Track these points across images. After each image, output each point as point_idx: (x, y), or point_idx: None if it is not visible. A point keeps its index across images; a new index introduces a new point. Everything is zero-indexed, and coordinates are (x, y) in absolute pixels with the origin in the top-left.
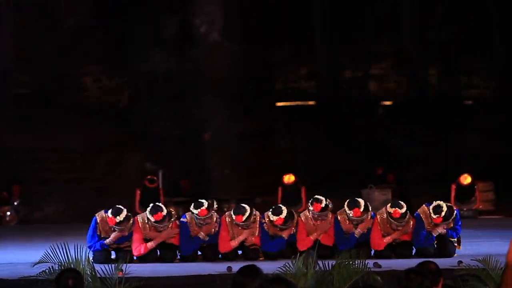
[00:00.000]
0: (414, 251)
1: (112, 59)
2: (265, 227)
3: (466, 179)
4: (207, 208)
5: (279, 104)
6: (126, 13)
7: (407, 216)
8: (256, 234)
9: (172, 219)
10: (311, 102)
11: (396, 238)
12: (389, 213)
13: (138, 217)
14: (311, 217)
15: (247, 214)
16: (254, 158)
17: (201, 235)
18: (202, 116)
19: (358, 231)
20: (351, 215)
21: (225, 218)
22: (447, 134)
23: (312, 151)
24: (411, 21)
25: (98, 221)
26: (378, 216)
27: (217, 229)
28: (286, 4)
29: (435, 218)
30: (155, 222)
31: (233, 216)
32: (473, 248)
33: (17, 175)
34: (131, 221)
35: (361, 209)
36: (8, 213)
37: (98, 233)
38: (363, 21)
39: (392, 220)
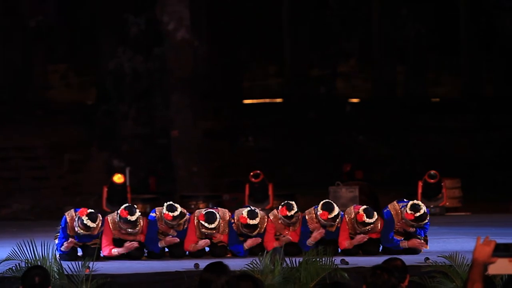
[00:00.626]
0: (381, 248)
1: (79, 58)
2: (234, 227)
3: (432, 177)
4: (175, 217)
5: (247, 101)
6: (93, 11)
7: (373, 223)
8: (225, 232)
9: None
10: (278, 100)
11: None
12: (356, 214)
13: (109, 217)
14: (281, 221)
15: (216, 223)
16: (221, 156)
17: (163, 242)
18: (169, 115)
19: (313, 238)
20: (319, 214)
21: (194, 218)
22: (414, 132)
23: (279, 149)
24: (379, 19)
25: (68, 220)
26: (346, 216)
27: (185, 226)
28: (254, 2)
29: (408, 214)
30: (168, 221)
31: (202, 223)
32: (440, 245)
33: None
34: (100, 224)
35: (331, 215)
36: None
37: (68, 232)
38: (331, 19)
39: (357, 225)
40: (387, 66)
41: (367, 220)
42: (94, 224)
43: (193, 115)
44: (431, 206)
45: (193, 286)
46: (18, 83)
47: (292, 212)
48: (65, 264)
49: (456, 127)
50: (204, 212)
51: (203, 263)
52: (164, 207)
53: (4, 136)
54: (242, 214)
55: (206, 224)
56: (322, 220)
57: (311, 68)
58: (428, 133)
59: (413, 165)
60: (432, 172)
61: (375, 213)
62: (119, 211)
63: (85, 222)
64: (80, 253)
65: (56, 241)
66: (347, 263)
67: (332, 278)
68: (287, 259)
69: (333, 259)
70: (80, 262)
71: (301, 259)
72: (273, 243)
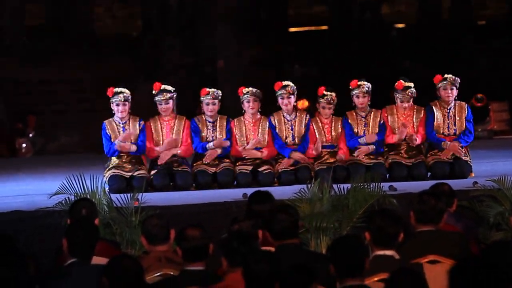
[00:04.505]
0: (429, 174)
1: None
2: (272, 121)
3: (479, 100)
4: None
5: (292, 29)
6: None
7: (412, 87)
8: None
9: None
10: (323, 27)
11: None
12: (394, 85)
13: (150, 121)
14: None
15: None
16: (267, 84)
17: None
18: (214, 44)
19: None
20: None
21: (234, 121)
22: (460, 55)
23: (325, 76)
24: None
25: (107, 124)
26: (385, 109)
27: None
28: None
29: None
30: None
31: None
32: (488, 168)
33: (31, 107)
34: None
35: (362, 82)
36: (24, 144)
37: (109, 135)
38: None
39: (398, 94)
40: None
41: (407, 84)
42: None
43: (238, 44)
44: (479, 129)
45: (242, 216)
46: (63, 16)
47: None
48: (114, 197)
49: (502, 49)
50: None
51: (251, 193)
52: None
53: (50, 70)
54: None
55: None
56: (353, 90)
57: None
58: (474, 56)
59: (461, 89)
60: (479, 95)
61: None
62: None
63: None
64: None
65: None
66: (395, 189)
67: (381, 204)
68: (335, 186)
69: (381, 186)
70: (129, 195)
71: (349, 186)
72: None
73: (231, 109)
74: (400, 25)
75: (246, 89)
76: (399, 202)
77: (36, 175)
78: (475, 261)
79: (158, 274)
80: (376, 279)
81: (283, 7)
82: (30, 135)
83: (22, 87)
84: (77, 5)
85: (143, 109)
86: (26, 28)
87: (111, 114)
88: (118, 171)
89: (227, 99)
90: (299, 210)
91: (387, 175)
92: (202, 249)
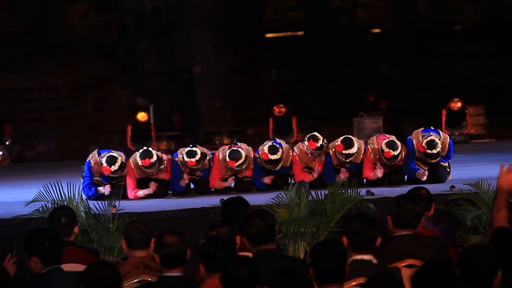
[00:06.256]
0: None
1: None
2: (259, 162)
3: (456, 104)
4: (197, 160)
5: (268, 35)
6: None
7: (399, 154)
8: (250, 167)
9: (162, 166)
10: (299, 32)
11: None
12: (382, 151)
13: (130, 160)
14: (307, 152)
15: (241, 160)
16: (244, 90)
17: (184, 180)
18: (190, 50)
19: (342, 174)
20: (335, 145)
21: (218, 154)
22: (436, 59)
23: (302, 81)
24: None
25: (92, 164)
26: (369, 146)
27: (210, 164)
28: None
29: (422, 146)
30: (144, 167)
31: (227, 159)
32: (465, 172)
33: (8, 115)
34: (125, 168)
35: (346, 151)
36: (1, 152)
37: (93, 176)
38: None
39: (386, 160)
40: None
41: (395, 153)
42: (115, 166)
43: (215, 49)
44: (456, 133)
45: (219, 222)
46: (39, 23)
47: (320, 142)
48: (92, 204)
49: (478, 53)
50: (228, 152)
51: (226, 199)
52: (184, 155)
53: (27, 77)
54: (264, 150)
55: (232, 162)
56: (338, 154)
57: None
58: (450, 60)
59: (436, 93)
60: (456, 99)
61: (398, 143)
62: (139, 161)
63: (112, 172)
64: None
65: (81, 180)
66: (372, 194)
67: (358, 209)
68: (312, 192)
69: (358, 191)
70: (106, 202)
71: (326, 192)
72: (302, 176)
73: (208, 115)
74: (376, 30)
75: None
76: (376, 206)
77: (13, 182)
78: (437, 266)
79: (136, 280)
80: (354, 283)
81: (259, 13)
82: (7, 142)
83: None
84: (52, 13)
85: (119, 115)
86: (0, 36)
87: (88, 122)
88: (97, 179)
89: (204, 105)
90: (276, 216)
91: (365, 180)
92: (179, 256)
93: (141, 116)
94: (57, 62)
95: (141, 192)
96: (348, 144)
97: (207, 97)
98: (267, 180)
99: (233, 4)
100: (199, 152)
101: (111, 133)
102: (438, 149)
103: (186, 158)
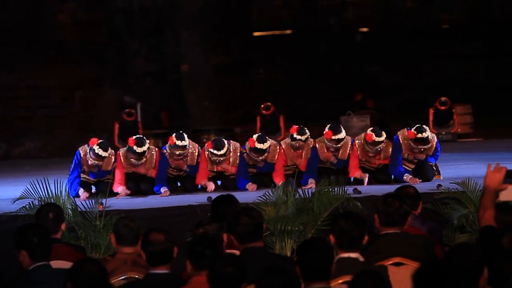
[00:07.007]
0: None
1: None
2: (245, 157)
3: (443, 103)
4: (177, 145)
5: (256, 34)
6: None
7: (383, 142)
8: (236, 164)
9: (152, 161)
10: (287, 31)
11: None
12: (365, 135)
13: (121, 151)
14: (291, 144)
15: (224, 149)
16: (232, 90)
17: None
18: (179, 51)
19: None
20: (324, 133)
21: (204, 150)
22: (425, 59)
23: (290, 81)
24: None
25: (82, 155)
26: (356, 141)
27: (197, 160)
28: None
29: (411, 132)
30: (130, 150)
31: (211, 150)
32: (452, 171)
33: None
34: (112, 158)
35: (335, 136)
36: None
37: (81, 167)
38: None
39: (367, 146)
40: None
41: (377, 139)
42: (106, 153)
43: (204, 50)
44: (443, 132)
45: (207, 219)
46: (28, 24)
47: (303, 137)
48: (79, 201)
49: (467, 53)
50: (212, 140)
51: (216, 196)
52: (174, 136)
53: (16, 77)
54: (253, 137)
55: (214, 151)
56: (327, 142)
57: None
58: (439, 61)
59: (425, 93)
60: (443, 99)
61: (383, 132)
62: (128, 140)
63: (96, 151)
64: (94, 190)
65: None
66: (359, 192)
67: (345, 207)
68: (299, 190)
69: (345, 189)
70: (93, 199)
71: (313, 190)
72: (282, 177)
73: (196, 115)
74: (365, 29)
75: None
76: (363, 205)
77: (0, 180)
78: (438, 265)
79: (123, 277)
80: (340, 281)
81: (248, 12)
82: None
83: None
84: (41, 12)
85: (107, 114)
86: None
87: (76, 120)
88: (84, 176)
89: (193, 106)
90: (264, 213)
91: (352, 178)
92: (166, 253)
93: (129, 114)
94: (46, 61)
95: (120, 189)
96: (336, 129)
97: (196, 98)
98: (250, 187)
99: (221, 4)
100: (186, 139)
101: (99, 131)
102: (428, 133)
103: (174, 139)
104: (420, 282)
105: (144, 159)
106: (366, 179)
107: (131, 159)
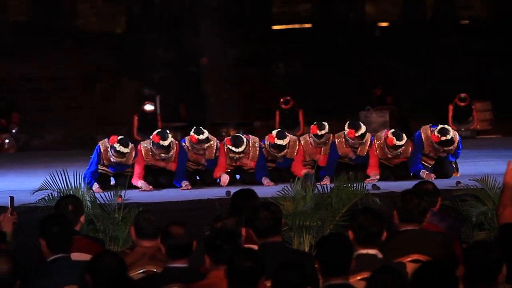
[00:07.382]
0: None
1: None
2: (264, 152)
3: (463, 99)
4: (200, 140)
5: (276, 27)
6: None
7: (403, 145)
8: (255, 158)
9: (171, 152)
10: (307, 25)
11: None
12: (386, 138)
13: (142, 144)
14: (311, 141)
15: (243, 147)
16: (251, 83)
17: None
18: (198, 42)
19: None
20: (346, 133)
21: (223, 145)
22: (444, 55)
23: (309, 75)
24: None
25: (102, 150)
26: (376, 141)
27: (217, 154)
28: None
29: (434, 135)
30: (156, 146)
31: (229, 147)
32: (471, 168)
33: (15, 103)
34: (133, 151)
35: (358, 133)
36: (7, 140)
37: (99, 162)
38: None
39: (388, 149)
40: None
41: (397, 143)
42: (127, 149)
43: (223, 42)
44: (462, 129)
45: (225, 213)
46: (47, 13)
47: (323, 132)
48: (98, 194)
49: (486, 49)
50: (231, 136)
51: (234, 191)
52: (192, 130)
53: (35, 67)
54: (272, 133)
55: (233, 148)
56: (350, 140)
57: None
58: (458, 56)
59: (444, 88)
60: (462, 95)
61: (404, 135)
62: (151, 137)
63: (117, 149)
64: (113, 182)
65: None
66: (378, 188)
67: (364, 203)
68: (318, 185)
69: (364, 185)
70: (112, 192)
71: (332, 185)
72: (301, 170)
73: (215, 107)
74: (384, 24)
75: None
76: (382, 201)
77: (19, 171)
78: (436, 265)
79: (142, 271)
80: (358, 277)
81: (267, 5)
82: (13, 131)
83: (5, 83)
84: (61, 2)
85: (126, 106)
86: (9, 24)
87: (95, 112)
88: (103, 168)
89: (211, 97)
90: (282, 208)
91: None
92: (185, 247)
93: (147, 106)
94: (65, 52)
95: (140, 183)
96: (356, 126)
97: (214, 90)
98: (266, 182)
99: None
100: (206, 133)
101: (118, 123)
102: (452, 134)
103: (191, 133)
104: (419, 281)
105: (173, 151)
106: (376, 181)
107: (161, 155)
